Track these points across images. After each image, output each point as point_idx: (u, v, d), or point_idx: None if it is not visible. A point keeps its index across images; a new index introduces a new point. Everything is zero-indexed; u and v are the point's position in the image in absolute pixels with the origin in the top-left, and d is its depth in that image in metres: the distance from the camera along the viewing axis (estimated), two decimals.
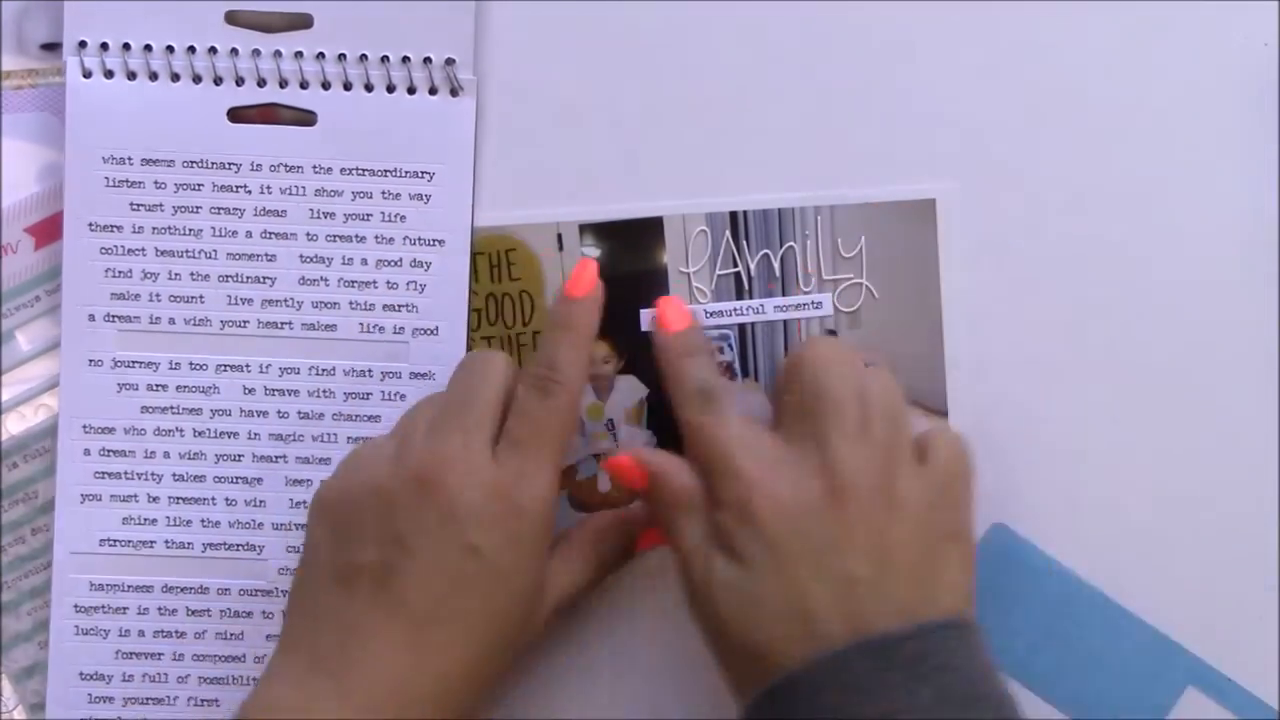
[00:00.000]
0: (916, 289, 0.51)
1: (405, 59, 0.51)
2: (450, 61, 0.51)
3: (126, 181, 0.51)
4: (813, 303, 0.51)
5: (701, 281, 0.51)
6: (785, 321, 0.51)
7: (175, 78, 0.50)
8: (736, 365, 0.51)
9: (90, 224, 0.51)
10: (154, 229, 0.51)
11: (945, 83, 0.51)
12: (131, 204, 0.51)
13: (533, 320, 0.52)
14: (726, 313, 0.51)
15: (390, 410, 0.51)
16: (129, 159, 0.51)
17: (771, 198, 0.51)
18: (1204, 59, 0.51)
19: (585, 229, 0.51)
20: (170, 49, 0.50)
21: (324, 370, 0.51)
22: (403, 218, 0.51)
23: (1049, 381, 0.51)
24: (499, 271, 0.51)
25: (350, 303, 0.51)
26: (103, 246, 0.51)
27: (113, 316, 0.51)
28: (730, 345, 0.51)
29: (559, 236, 0.51)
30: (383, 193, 0.51)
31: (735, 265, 0.51)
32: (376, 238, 0.51)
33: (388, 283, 0.51)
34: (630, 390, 0.52)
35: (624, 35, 0.51)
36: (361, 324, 0.51)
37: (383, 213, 0.51)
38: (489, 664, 0.45)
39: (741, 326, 0.51)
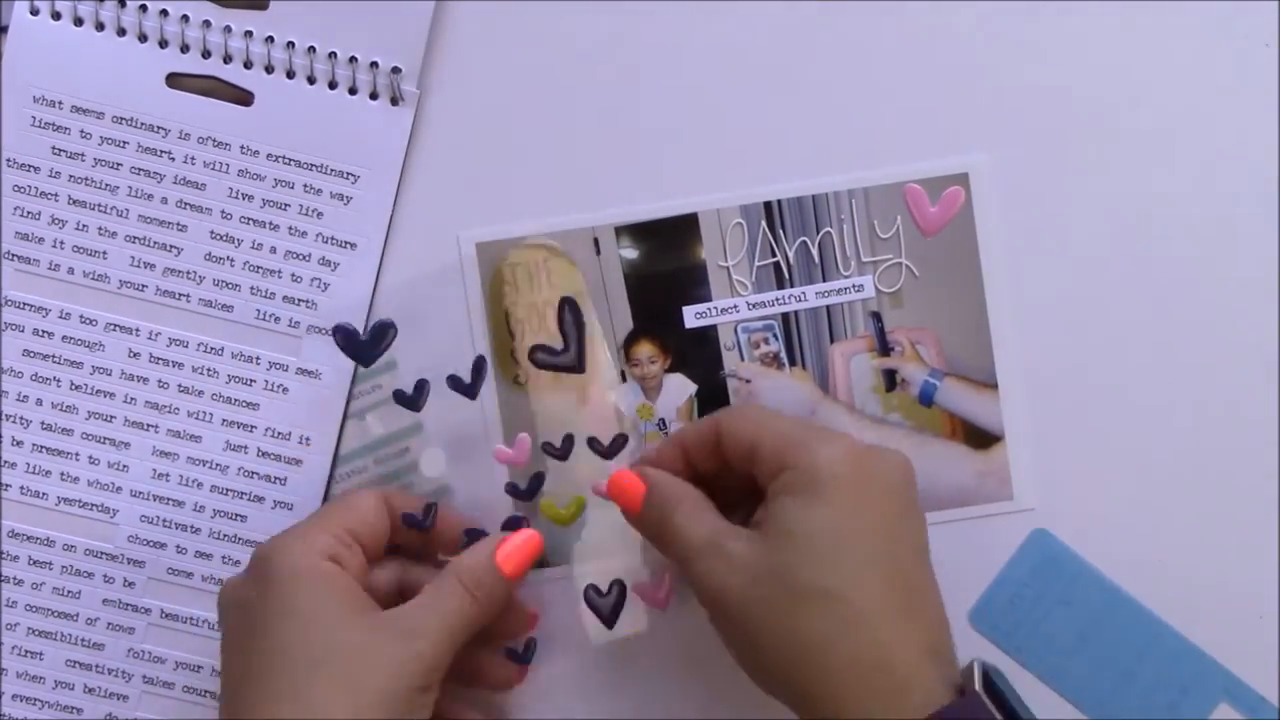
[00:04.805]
0: (957, 264, 0.51)
1: (353, 59, 0.50)
2: (397, 70, 0.50)
3: (53, 125, 0.50)
4: (854, 286, 0.51)
5: (741, 274, 0.51)
6: (829, 307, 0.51)
7: (121, 32, 0.50)
8: (783, 355, 0.51)
9: (9, 160, 0.50)
10: (71, 177, 0.50)
11: (968, 59, 0.51)
12: (54, 148, 0.50)
13: None
14: (769, 303, 0.51)
15: (270, 401, 0.51)
16: (59, 103, 0.50)
17: (805, 184, 0.51)
18: (1204, 59, 0.51)
19: (621, 231, 0.51)
20: (122, 2, 0.50)
21: (213, 349, 0.51)
22: (320, 214, 0.51)
23: (1097, 349, 0.51)
24: (537, 280, 0.51)
25: (251, 287, 0.51)
26: (16, 184, 0.50)
27: (12, 255, 0.50)
28: (775, 335, 0.51)
29: (595, 240, 0.51)
30: (305, 186, 0.51)
31: (774, 255, 0.51)
32: (290, 229, 0.51)
33: (293, 275, 0.51)
34: (679, 388, 0.51)
35: (641, 34, 0.51)
36: (259, 311, 0.51)
37: (301, 205, 0.51)
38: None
39: (785, 315, 0.51)
